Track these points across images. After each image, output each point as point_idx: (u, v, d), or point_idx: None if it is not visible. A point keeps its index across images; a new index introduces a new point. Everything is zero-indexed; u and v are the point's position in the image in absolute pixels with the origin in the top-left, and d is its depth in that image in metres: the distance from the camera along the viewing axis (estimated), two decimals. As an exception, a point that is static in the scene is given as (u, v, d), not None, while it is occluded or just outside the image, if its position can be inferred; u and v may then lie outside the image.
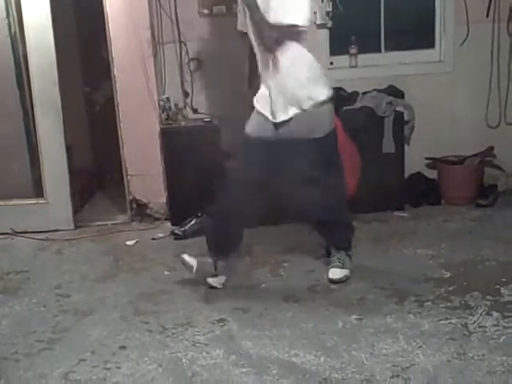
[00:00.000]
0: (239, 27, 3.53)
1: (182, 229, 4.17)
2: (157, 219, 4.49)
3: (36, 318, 3.15)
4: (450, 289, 3.17)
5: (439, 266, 3.47)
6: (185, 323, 2.99)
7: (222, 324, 2.96)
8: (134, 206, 4.53)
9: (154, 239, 4.18)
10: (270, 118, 3.14)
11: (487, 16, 4.50)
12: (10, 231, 4.35)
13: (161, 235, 4.23)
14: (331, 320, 2.93)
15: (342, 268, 3.36)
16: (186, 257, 3.35)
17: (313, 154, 3.12)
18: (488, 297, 3.04)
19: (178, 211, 4.34)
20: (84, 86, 5.53)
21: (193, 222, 4.18)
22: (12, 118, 4.41)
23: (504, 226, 4.05)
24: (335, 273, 3.34)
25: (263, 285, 3.37)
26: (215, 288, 3.32)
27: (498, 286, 3.15)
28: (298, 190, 3.17)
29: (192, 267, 3.31)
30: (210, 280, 3.33)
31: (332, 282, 3.32)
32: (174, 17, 4.46)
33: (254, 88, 3.27)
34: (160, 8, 4.45)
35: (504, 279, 3.21)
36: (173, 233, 4.19)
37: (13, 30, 4.28)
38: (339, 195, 3.35)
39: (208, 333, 2.89)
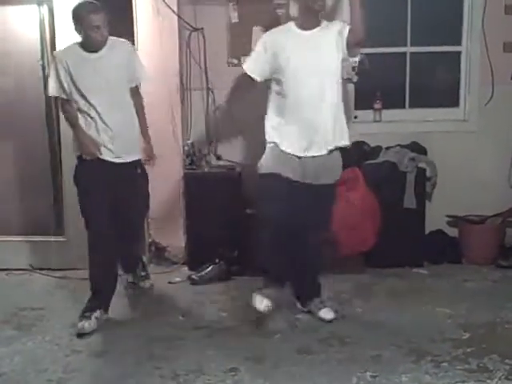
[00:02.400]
0: None
1: (200, 274, 4.17)
2: (174, 263, 4.49)
3: (48, 356, 3.14)
4: (468, 350, 3.10)
5: (458, 326, 3.41)
6: (197, 370, 2.96)
7: (233, 373, 2.92)
8: (153, 248, 4.54)
9: (170, 283, 4.18)
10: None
11: (512, 78, 4.55)
12: (28, 267, 4.38)
13: (178, 279, 4.23)
14: (345, 375, 2.88)
15: (331, 309, 3.54)
16: (258, 299, 3.38)
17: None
18: (507, 360, 2.97)
19: (196, 256, 4.34)
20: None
21: (210, 268, 4.18)
22: (39, 157, 4.49)
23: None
24: (328, 313, 3.51)
25: (277, 335, 3.33)
26: (260, 312, 3.35)
27: (517, 350, 3.08)
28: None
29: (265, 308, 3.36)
30: (259, 300, 3.36)
31: (327, 321, 3.47)
32: (202, 65, 4.56)
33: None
34: (190, 56, 4.56)
35: (524, 343, 3.15)
36: (190, 278, 4.19)
37: (47, 72, 4.39)
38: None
39: (219, 382, 2.85)
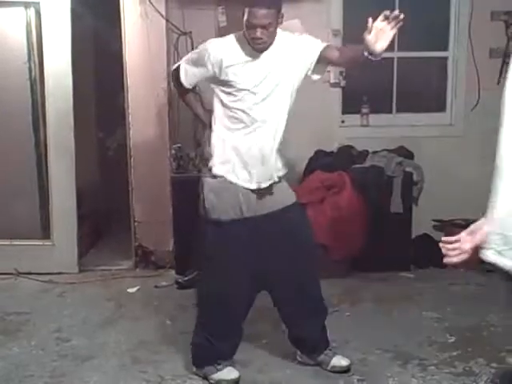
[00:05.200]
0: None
1: (186, 278, 4.16)
2: (161, 267, 4.48)
3: (34, 361, 3.12)
4: (455, 354, 3.12)
5: (444, 329, 3.43)
6: (183, 375, 2.95)
7: (220, 378, 2.92)
8: (140, 252, 4.52)
9: (157, 287, 4.16)
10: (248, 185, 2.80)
11: (498, 83, 4.58)
12: (13, 271, 4.34)
13: (164, 283, 4.21)
14: (332, 380, 2.89)
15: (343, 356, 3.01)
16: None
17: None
18: (493, 364, 3.00)
19: (183, 260, 4.32)
20: (98, 131, 5.60)
21: (197, 272, 4.15)
22: (25, 159, 4.47)
23: (510, 292, 4.00)
24: (343, 359, 2.97)
25: (264, 340, 3.32)
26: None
27: (503, 354, 3.10)
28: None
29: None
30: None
31: (344, 370, 2.94)
32: (190, 69, 4.55)
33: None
34: (178, 59, 4.54)
35: (509, 347, 3.16)
36: (176, 282, 4.17)
37: (33, 74, 4.37)
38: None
39: (206, 386, 2.85)
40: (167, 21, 4.40)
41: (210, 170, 2.84)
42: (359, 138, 4.65)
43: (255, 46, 2.72)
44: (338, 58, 2.80)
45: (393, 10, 2.57)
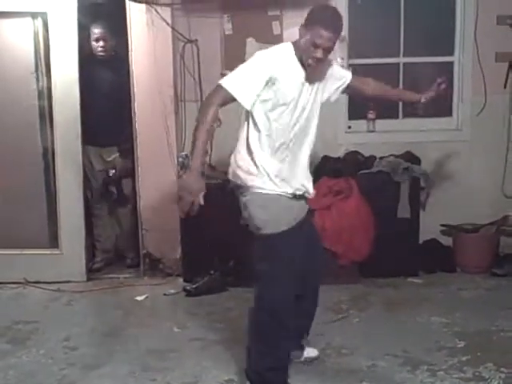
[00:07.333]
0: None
1: (195, 285, 4.16)
2: (169, 275, 4.49)
3: (43, 369, 3.12)
4: (464, 359, 3.11)
5: (453, 334, 3.41)
6: (192, 382, 2.95)
7: (230, 385, 2.92)
8: (148, 260, 4.53)
9: (165, 295, 4.17)
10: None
11: (505, 87, 4.57)
12: (22, 280, 4.35)
13: (172, 291, 4.21)
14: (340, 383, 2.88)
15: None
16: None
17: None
18: (503, 369, 2.97)
19: (191, 268, 4.33)
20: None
21: (205, 279, 4.17)
22: (33, 168, 4.49)
23: None
24: (314, 351, 3.15)
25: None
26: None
27: (513, 358, 3.09)
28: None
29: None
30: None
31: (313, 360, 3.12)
32: (196, 76, 4.58)
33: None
34: (184, 67, 4.58)
35: (519, 351, 3.16)
36: (185, 289, 4.18)
37: (40, 84, 4.41)
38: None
39: (215, 393, 2.85)
40: (173, 29, 4.42)
41: (250, 186, 2.82)
42: (366, 143, 4.65)
43: (310, 63, 2.67)
44: (369, 92, 3.22)
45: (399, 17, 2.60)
